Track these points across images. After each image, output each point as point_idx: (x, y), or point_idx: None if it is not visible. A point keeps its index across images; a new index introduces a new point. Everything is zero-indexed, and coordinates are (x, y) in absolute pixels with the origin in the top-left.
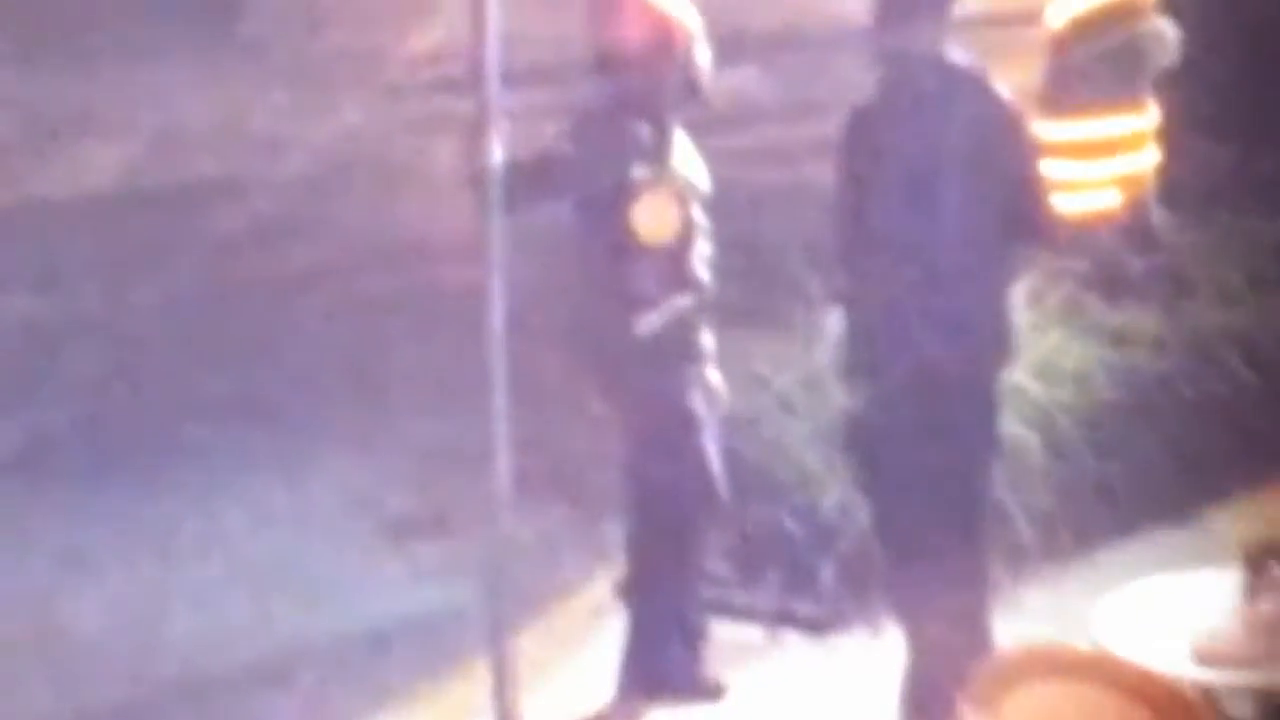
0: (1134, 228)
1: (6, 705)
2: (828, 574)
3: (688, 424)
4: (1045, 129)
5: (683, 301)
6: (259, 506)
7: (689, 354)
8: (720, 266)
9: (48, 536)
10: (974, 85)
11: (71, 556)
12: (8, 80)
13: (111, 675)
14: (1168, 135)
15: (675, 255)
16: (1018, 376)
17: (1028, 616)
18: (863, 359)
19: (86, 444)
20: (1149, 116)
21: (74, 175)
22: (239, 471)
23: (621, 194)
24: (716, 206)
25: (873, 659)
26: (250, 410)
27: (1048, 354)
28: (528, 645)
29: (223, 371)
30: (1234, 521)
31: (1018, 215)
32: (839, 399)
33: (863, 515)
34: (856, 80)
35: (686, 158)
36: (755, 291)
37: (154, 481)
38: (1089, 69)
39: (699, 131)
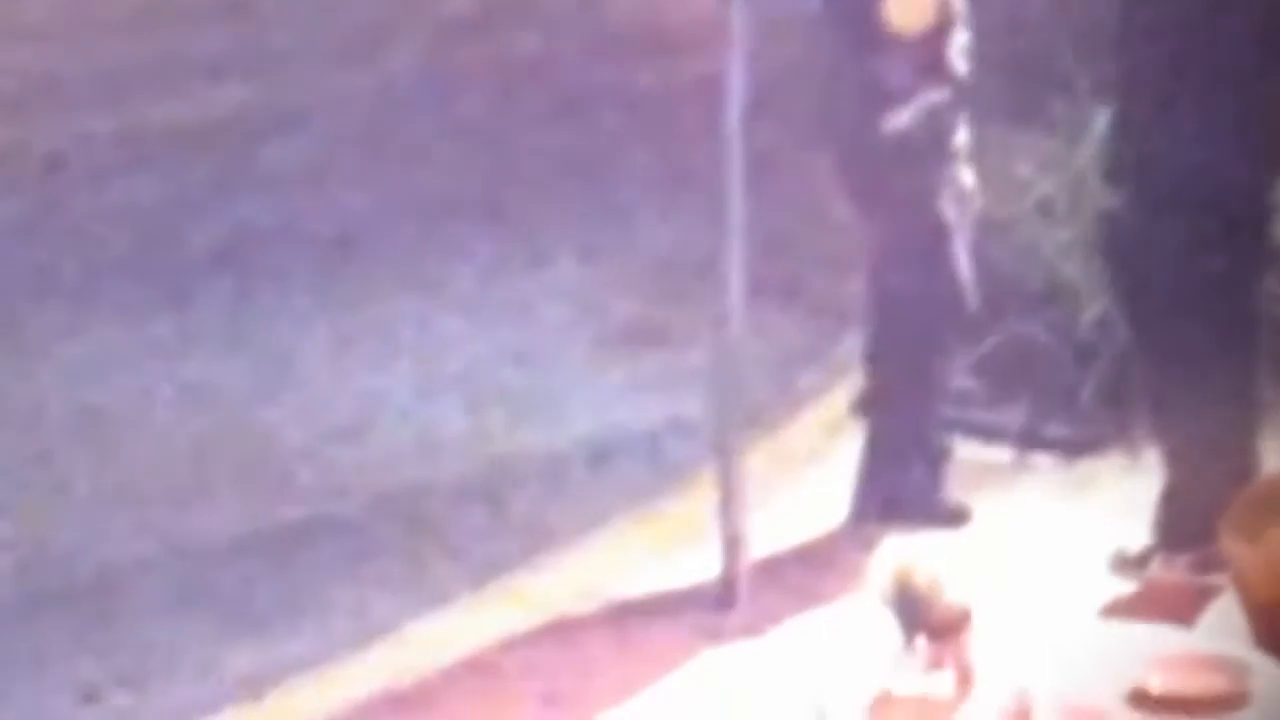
0: None
1: (199, 513)
2: (1084, 393)
3: (937, 229)
4: None
5: (936, 96)
6: (475, 311)
7: (941, 153)
8: (978, 57)
9: (254, 337)
10: None
11: (277, 359)
12: None
13: (314, 487)
14: None
15: (930, 45)
16: None
17: None
18: (1130, 159)
19: (294, 241)
20: None
21: None
22: (452, 273)
23: None
24: None
25: (1128, 485)
26: (467, 207)
27: None
28: (756, 463)
29: (437, 166)
30: None
31: None
32: (1103, 203)
33: (1123, 330)
34: None
35: None
36: (1016, 84)
37: (364, 281)
38: None
39: None
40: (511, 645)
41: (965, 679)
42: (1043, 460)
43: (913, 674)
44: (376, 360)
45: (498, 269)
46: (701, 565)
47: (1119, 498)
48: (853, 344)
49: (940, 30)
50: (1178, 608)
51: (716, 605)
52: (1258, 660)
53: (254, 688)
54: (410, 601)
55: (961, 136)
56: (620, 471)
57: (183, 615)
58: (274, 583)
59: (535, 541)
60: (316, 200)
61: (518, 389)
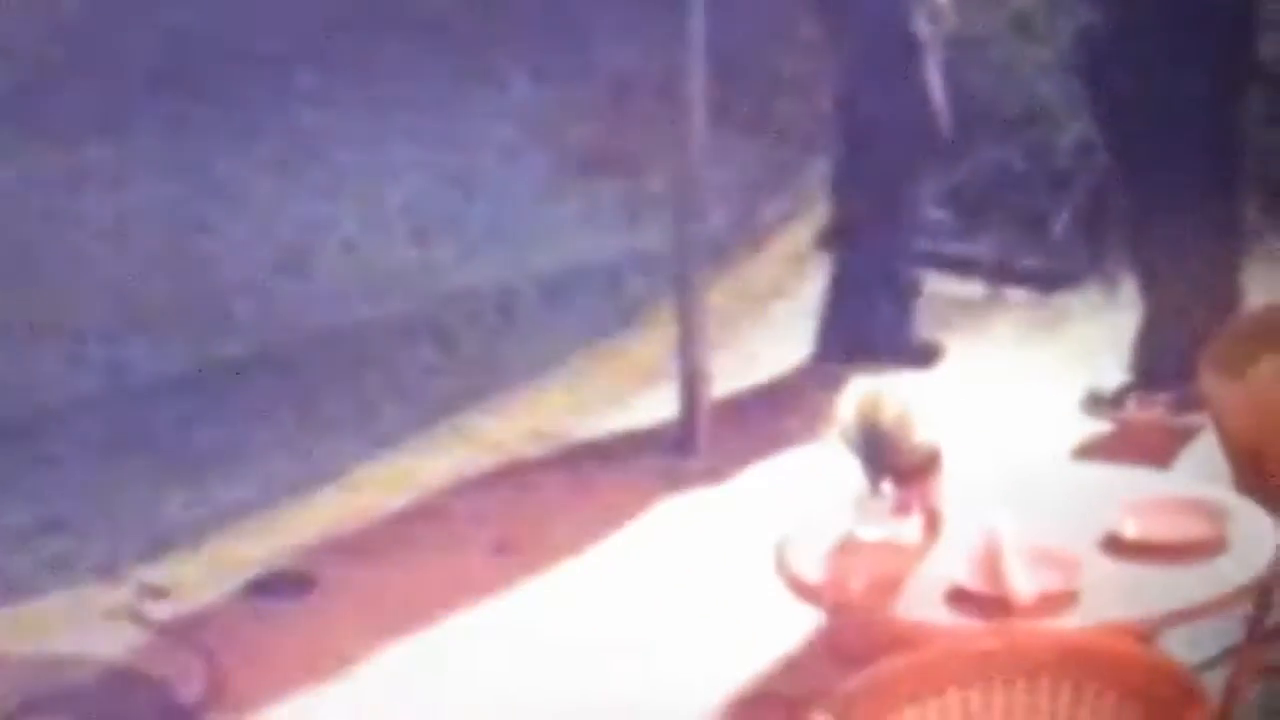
0: None
1: (136, 349)
2: (1060, 222)
3: (908, 46)
4: None
5: None
6: (422, 136)
7: None
8: None
9: (191, 163)
10: None
11: (215, 187)
12: None
13: (253, 322)
14: None
15: None
16: None
17: None
18: None
19: (234, 61)
20: None
21: None
22: (398, 94)
23: None
24: None
25: (1104, 321)
26: (413, 24)
27: None
28: (717, 299)
29: None
30: None
31: None
32: (1081, 19)
33: (1101, 155)
34: None
35: None
36: None
37: (306, 103)
38: None
39: None
40: (462, 490)
41: (933, 524)
42: (1016, 295)
43: (879, 519)
44: (319, 188)
45: (446, 91)
46: (660, 406)
47: (1094, 334)
48: (819, 172)
49: None
50: (1154, 449)
51: (676, 448)
52: (1237, 503)
53: (193, 534)
54: (356, 443)
55: None
56: (576, 308)
57: (119, 458)
58: (213, 423)
59: (487, 381)
60: (257, 16)
61: (468, 220)
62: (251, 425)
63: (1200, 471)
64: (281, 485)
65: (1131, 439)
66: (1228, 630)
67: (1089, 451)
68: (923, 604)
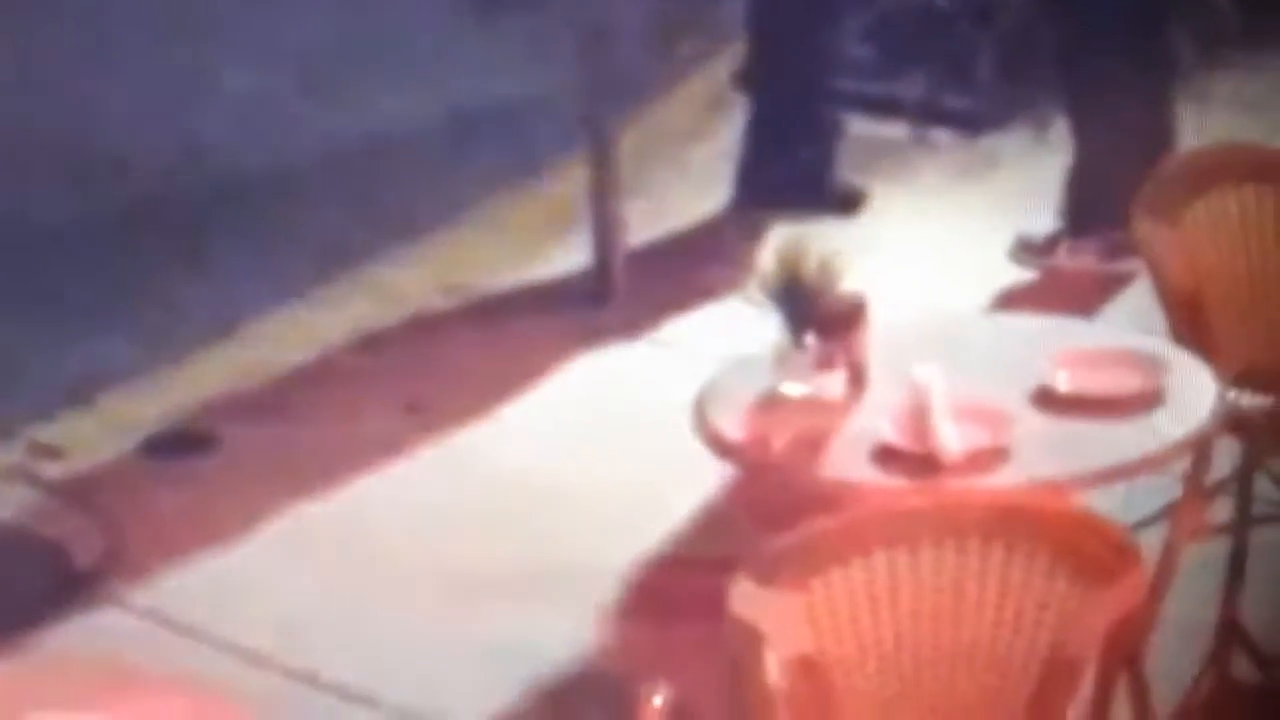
0: None
1: (21, 200)
2: (986, 60)
3: None
4: None
5: None
6: None
7: None
8: None
9: (80, 5)
10: None
11: (100, 27)
12: None
13: (144, 170)
14: None
15: None
16: None
17: (1221, 108)
18: None
19: None
20: None
21: None
22: None
23: None
24: None
25: (1033, 164)
26: None
27: None
28: (631, 142)
29: None
30: None
31: None
32: None
33: None
34: None
35: None
36: None
37: None
38: None
39: None
40: (368, 345)
41: (857, 378)
42: (942, 137)
43: (801, 373)
44: (208, 26)
45: None
46: (574, 256)
47: (1023, 179)
48: (735, 7)
49: None
50: (1085, 298)
51: (591, 300)
52: (1173, 355)
53: (86, 390)
54: (254, 296)
55: None
56: (483, 153)
57: (7, 313)
58: (104, 276)
59: (391, 229)
60: None
61: (367, 63)
62: (144, 278)
63: (1134, 321)
64: (177, 340)
65: (1062, 287)
66: (1164, 488)
67: (1018, 301)
68: (848, 462)
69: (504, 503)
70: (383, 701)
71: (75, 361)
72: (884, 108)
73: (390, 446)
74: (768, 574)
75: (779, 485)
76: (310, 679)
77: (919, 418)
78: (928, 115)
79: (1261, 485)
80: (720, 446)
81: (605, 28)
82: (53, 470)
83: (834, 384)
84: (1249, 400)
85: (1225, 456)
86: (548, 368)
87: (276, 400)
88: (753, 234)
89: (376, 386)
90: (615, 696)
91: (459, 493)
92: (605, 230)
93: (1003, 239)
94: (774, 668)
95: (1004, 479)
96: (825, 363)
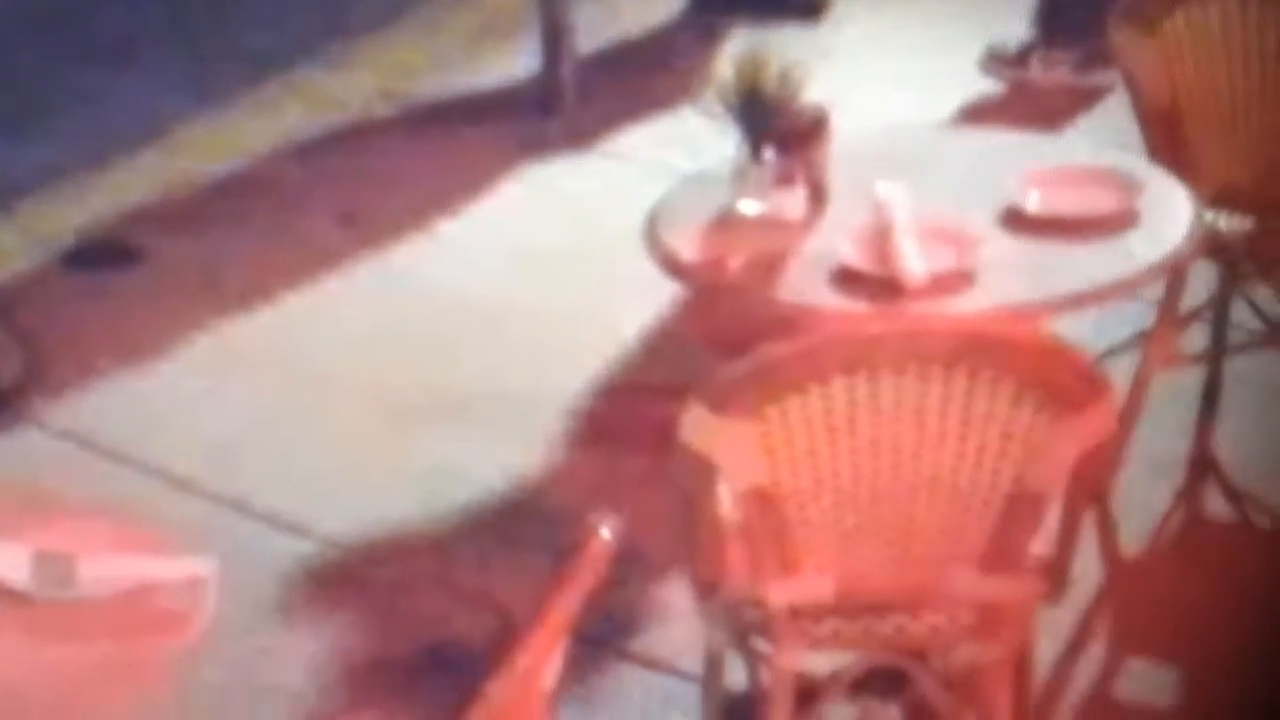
0: None
1: None
2: None
3: None
4: None
5: None
6: None
7: None
8: None
9: None
10: None
11: None
12: None
13: None
14: None
15: None
16: None
17: None
18: None
19: None
20: None
21: None
22: None
23: None
24: None
25: None
26: None
27: None
28: None
29: None
30: None
31: None
32: None
33: None
34: None
35: None
36: None
37: None
38: None
39: None
40: (299, 154)
41: (818, 196)
42: None
43: (759, 190)
44: None
45: None
46: (519, 61)
47: None
48: None
49: None
50: (1058, 112)
51: (537, 108)
52: (1149, 173)
53: (4, 199)
54: (179, 100)
55: None
56: None
57: None
58: (19, 74)
59: (325, 32)
60: None
61: None
62: (62, 77)
63: (1109, 138)
64: (98, 145)
65: (1033, 101)
66: (1137, 314)
67: (987, 115)
68: (806, 285)
69: (443, 324)
70: (314, 530)
71: None
72: None
73: (323, 262)
74: (721, 402)
75: (734, 308)
76: (239, 506)
77: (881, 238)
78: None
79: (1238, 312)
80: (673, 267)
81: None
82: None
83: (793, 202)
84: (1227, 222)
85: (1201, 281)
86: (490, 181)
87: (204, 211)
88: (709, 41)
89: (308, 198)
90: (559, 528)
91: (395, 312)
92: (553, 34)
93: (972, 49)
94: (727, 500)
95: (969, 303)
96: (784, 179)
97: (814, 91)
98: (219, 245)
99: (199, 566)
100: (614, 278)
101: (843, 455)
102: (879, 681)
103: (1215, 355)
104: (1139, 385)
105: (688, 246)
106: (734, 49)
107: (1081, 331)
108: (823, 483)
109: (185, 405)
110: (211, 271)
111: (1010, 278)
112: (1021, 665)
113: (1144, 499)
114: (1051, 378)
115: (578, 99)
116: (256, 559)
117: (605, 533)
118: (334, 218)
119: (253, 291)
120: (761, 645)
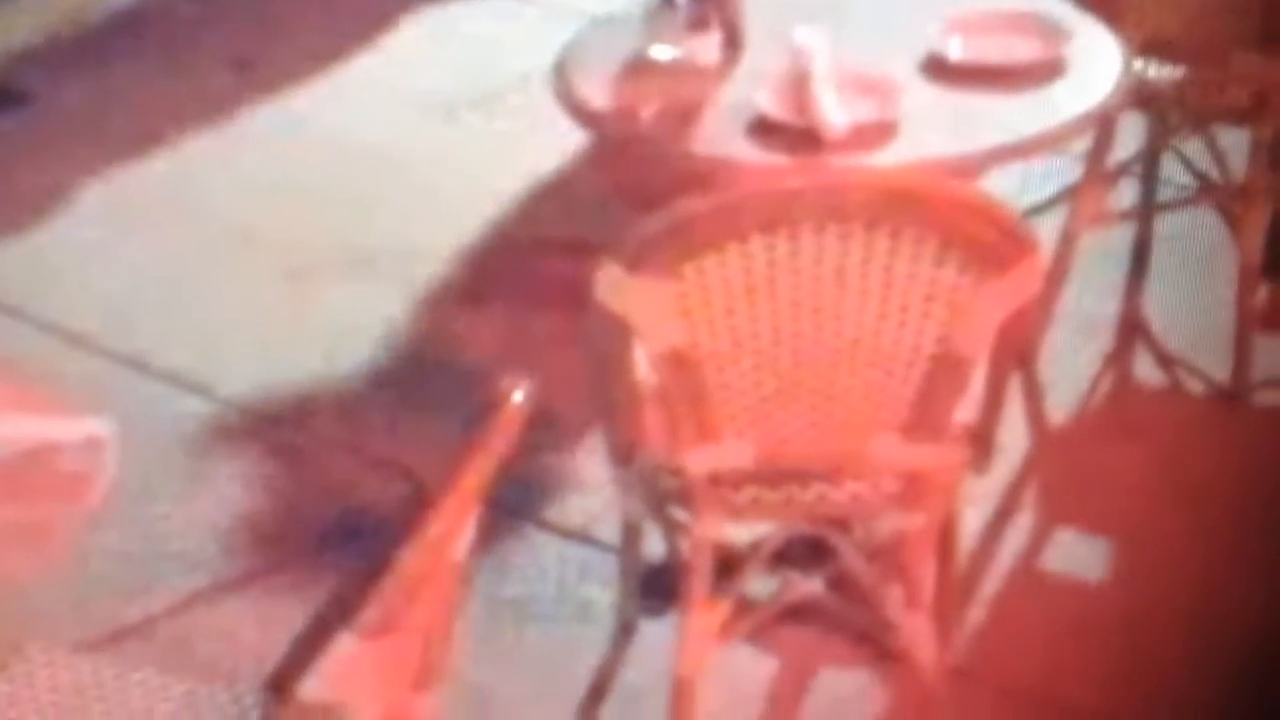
0: None
1: None
2: None
3: None
4: None
5: None
6: None
7: None
8: None
9: None
10: None
11: None
12: None
13: None
14: None
15: None
16: None
17: None
18: None
19: None
20: None
21: None
22: None
23: None
24: None
25: None
26: None
27: None
28: None
29: None
30: None
31: None
32: None
33: None
34: None
35: None
36: None
37: None
38: None
39: None
40: None
41: (733, 42)
42: None
43: (672, 34)
44: None
45: None
46: None
47: None
48: None
49: None
50: None
51: None
52: (1074, 19)
53: None
54: None
55: None
56: None
57: None
58: None
59: None
60: None
61: None
62: None
63: None
64: None
65: None
66: (1064, 169)
67: None
68: (722, 136)
69: (342, 175)
70: (215, 391)
71: None
72: None
73: (218, 107)
74: (636, 260)
75: (647, 160)
76: (138, 364)
77: (800, 87)
78: None
79: (1169, 167)
80: (582, 116)
81: None
82: None
83: (707, 47)
84: (1157, 71)
85: (1130, 134)
86: (390, 23)
87: (94, 51)
88: None
89: (202, 39)
90: (469, 390)
91: (294, 160)
92: None
93: None
94: (643, 363)
95: (891, 157)
96: (698, 23)
97: None
98: (110, 88)
99: (98, 427)
100: (521, 127)
101: (762, 317)
102: (801, 553)
103: (1145, 212)
104: (1066, 243)
105: (597, 94)
106: None
107: (1007, 187)
108: (742, 345)
109: (79, 258)
110: (102, 116)
111: (933, 130)
112: (946, 536)
113: (1071, 364)
114: (976, 235)
115: None
116: (157, 420)
117: (517, 396)
118: (228, 60)
119: (146, 138)
120: (680, 514)
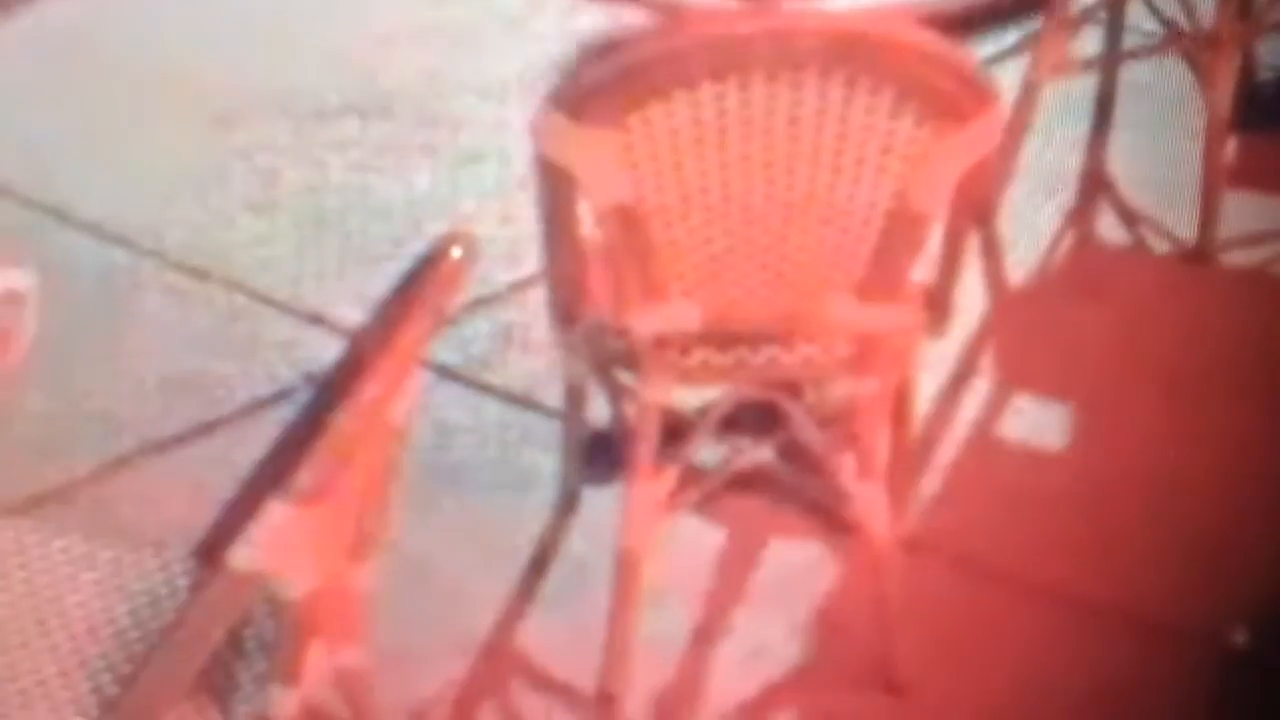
0: None
1: None
2: None
3: None
4: None
5: None
6: None
7: None
8: None
9: None
10: None
11: None
12: None
13: None
14: None
15: None
16: None
17: None
18: None
19: None
20: None
21: None
22: None
23: None
24: None
25: None
26: None
27: None
28: None
29: None
30: None
31: None
32: None
33: None
34: None
35: None
36: None
37: None
38: None
39: None
40: None
41: None
42: None
43: None
44: None
45: None
46: None
47: None
48: None
49: None
50: None
51: None
52: None
53: None
54: None
55: None
56: None
57: None
58: None
59: None
60: None
61: None
62: None
63: None
64: None
65: None
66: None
67: None
68: None
69: (266, 11)
70: (138, 242)
71: None
72: None
73: None
74: (579, 108)
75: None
76: (58, 213)
77: None
78: None
79: (1135, 13)
80: None
81: None
82: None
83: None
84: None
85: None
86: None
87: None
88: None
89: None
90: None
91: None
92: None
93: None
94: (587, 219)
95: (846, 1)
96: None
97: None
98: None
99: (17, 280)
100: None
101: (712, 170)
102: (751, 419)
103: (1109, 61)
104: (1027, 94)
105: None
106: None
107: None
108: (690, 200)
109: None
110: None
111: None
112: (901, 402)
113: (1032, 220)
114: (934, 85)
115: None
116: (79, 273)
117: (457, 250)
118: None
119: None
120: (625, 377)
